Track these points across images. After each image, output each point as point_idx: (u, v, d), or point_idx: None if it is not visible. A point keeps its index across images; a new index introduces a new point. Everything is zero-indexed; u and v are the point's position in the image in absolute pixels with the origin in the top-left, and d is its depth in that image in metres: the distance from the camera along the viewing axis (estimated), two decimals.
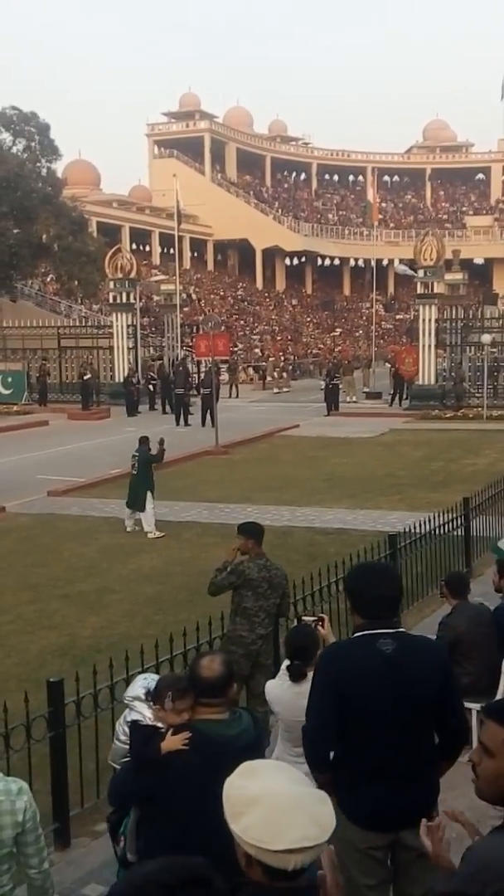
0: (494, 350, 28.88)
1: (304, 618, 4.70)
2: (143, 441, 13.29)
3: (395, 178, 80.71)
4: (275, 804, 1.84)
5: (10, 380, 32.02)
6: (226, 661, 3.31)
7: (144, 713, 3.49)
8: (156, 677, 3.72)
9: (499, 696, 5.41)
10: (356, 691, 3.23)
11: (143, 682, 3.75)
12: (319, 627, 4.38)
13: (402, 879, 3.34)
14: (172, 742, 3.08)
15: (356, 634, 3.37)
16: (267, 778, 1.92)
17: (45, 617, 9.24)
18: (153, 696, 3.40)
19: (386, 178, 78.40)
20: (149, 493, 12.79)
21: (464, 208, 76.66)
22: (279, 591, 6.17)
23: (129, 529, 12.88)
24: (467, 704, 4.49)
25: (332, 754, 3.34)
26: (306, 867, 1.87)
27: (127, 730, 3.47)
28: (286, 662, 4.38)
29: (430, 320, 28.52)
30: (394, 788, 3.22)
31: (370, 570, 3.79)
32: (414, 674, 3.25)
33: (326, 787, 2.29)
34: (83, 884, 4.66)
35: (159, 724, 3.27)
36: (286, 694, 4.27)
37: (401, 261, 58.97)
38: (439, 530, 9.27)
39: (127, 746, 3.45)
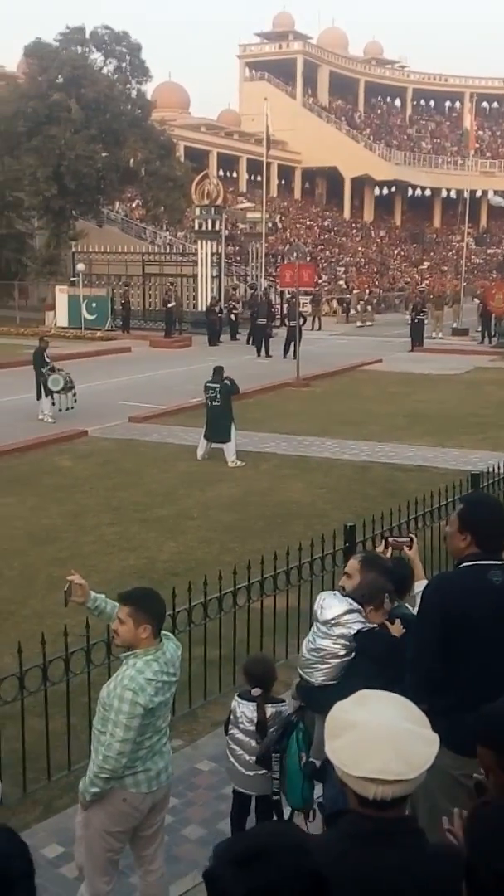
0: None
1: (391, 539, 4.62)
2: (218, 370, 13.26)
3: (495, 104, 76.95)
4: (367, 733, 1.89)
5: (94, 305, 32.27)
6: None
7: (362, 620, 3.85)
8: (335, 593, 3.99)
9: None
10: (467, 620, 3.31)
11: (339, 600, 3.92)
12: (406, 549, 4.38)
13: None
14: (397, 629, 3.85)
15: (466, 564, 3.41)
16: (373, 708, 1.97)
17: (125, 539, 9.45)
18: (367, 600, 3.89)
19: (485, 104, 74.81)
20: (232, 424, 12.91)
21: None
22: None
23: (199, 458, 13.00)
24: None
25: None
26: (396, 800, 1.87)
27: (346, 643, 3.82)
28: None
29: None
30: None
31: (493, 502, 3.79)
32: None
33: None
34: None
35: (373, 624, 3.84)
36: None
37: (496, 192, 56.83)
38: None
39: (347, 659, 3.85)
